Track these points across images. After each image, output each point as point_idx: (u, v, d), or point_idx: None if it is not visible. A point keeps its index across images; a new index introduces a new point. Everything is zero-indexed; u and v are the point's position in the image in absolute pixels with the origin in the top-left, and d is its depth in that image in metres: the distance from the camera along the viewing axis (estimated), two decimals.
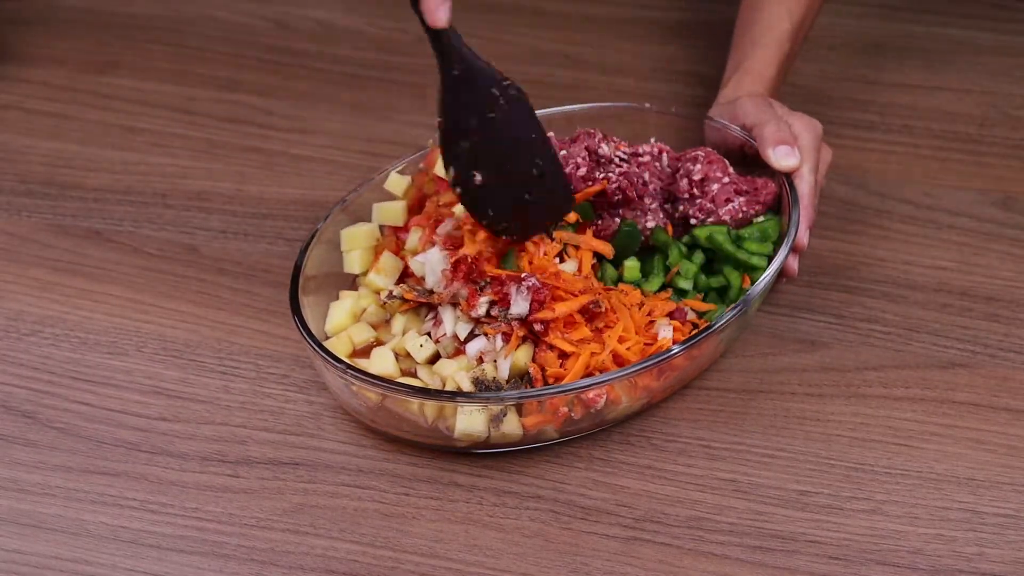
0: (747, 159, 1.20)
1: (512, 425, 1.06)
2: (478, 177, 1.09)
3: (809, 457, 1.08)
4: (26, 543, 1.06)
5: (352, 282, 1.19)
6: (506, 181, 1.10)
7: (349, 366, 1.07)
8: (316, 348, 1.08)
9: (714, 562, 1.02)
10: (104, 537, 1.06)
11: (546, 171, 1.11)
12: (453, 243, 1.12)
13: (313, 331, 1.10)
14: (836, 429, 1.10)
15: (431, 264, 1.12)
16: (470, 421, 1.05)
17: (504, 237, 1.11)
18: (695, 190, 1.17)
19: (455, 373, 1.08)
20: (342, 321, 1.15)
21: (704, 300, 1.14)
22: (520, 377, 1.08)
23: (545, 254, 1.11)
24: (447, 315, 1.10)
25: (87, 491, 1.09)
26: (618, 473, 1.08)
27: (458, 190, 1.09)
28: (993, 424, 1.10)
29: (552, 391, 1.05)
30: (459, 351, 1.10)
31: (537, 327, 1.07)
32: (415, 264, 1.13)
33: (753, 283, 1.11)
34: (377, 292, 1.14)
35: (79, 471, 1.11)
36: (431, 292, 1.11)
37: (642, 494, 1.07)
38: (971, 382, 1.13)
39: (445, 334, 1.10)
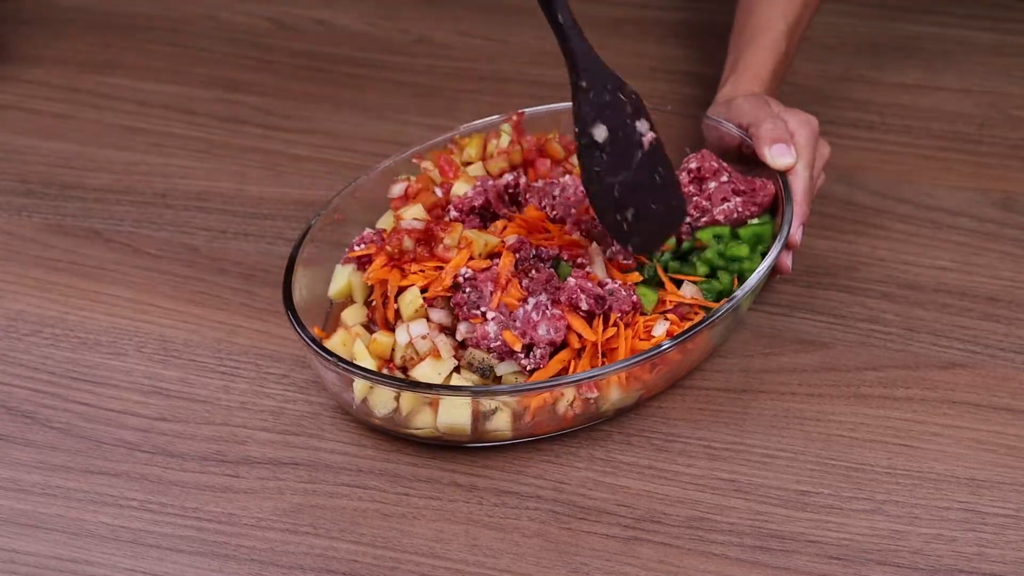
0: (745, 158, 1.20)
1: (501, 421, 1.07)
2: (616, 189, 1.08)
3: (809, 457, 1.08)
4: (26, 543, 1.06)
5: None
6: (636, 193, 1.09)
7: (339, 359, 1.07)
8: (309, 342, 1.08)
9: (714, 562, 1.02)
10: (104, 537, 1.06)
11: (667, 181, 1.10)
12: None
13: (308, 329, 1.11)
14: (836, 429, 1.10)
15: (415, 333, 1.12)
16: (455, 414, 1.06)
17: (632, 251, 1.12)
18: (692, 187, 1.17)
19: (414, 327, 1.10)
20: (346, 286, 1.16)
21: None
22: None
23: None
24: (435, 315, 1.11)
25: (87, 491, 1.09)
26: (618, 473, 1.08)
27: (596, 200, 1.09)
28: (993, 424, 1.10)
29: (541, 386, 1.05)
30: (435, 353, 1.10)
31: None
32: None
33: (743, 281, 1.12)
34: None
35: (79, 471, 1.11)
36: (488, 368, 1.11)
37: (642, 494, 1.07)
38: (971, 382, 1.13)
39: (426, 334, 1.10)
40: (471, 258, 1.12)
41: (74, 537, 1.06)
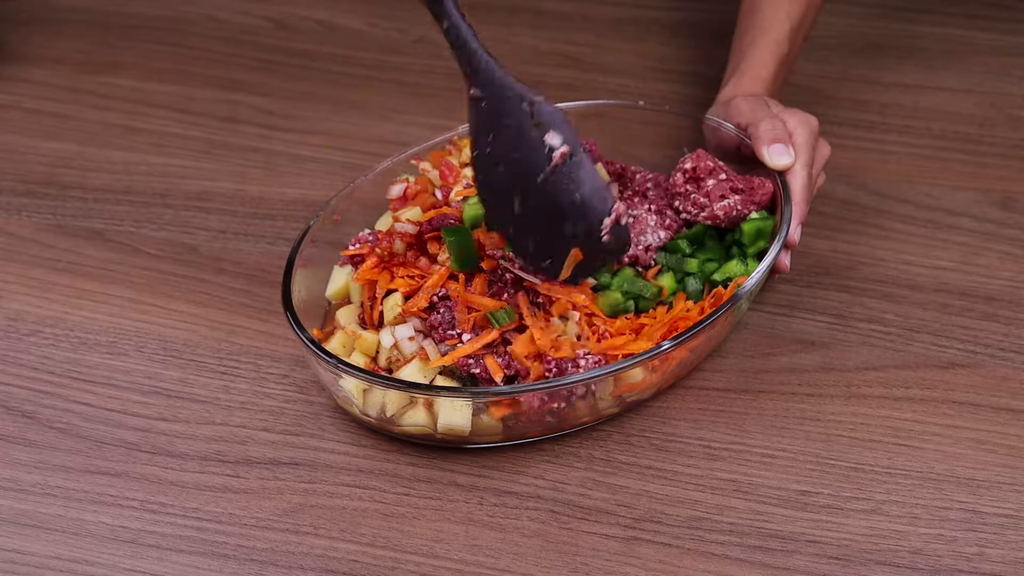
0: (744, 158, 1.20)
1: (490, 419, 1.07)
2: (516, 206, 1.00)
3: (809, 457, 1.08)
4: (26, 543, 1.06)
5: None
6: (543, 211, 1.00)
7: (340, 361, 1.07)
8: (307, 343, 1.08)
9: (714, 562, 1.02)
10: (104, 537, 1.06)
11: (589, 199, 1.00)
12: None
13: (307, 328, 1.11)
14: (836, 429, 1.10)
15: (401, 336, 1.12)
16: (455, 416, 1.06)
17: (552, 277, 1.05)
18: (689, 185, 1.17)
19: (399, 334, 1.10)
20: (343, 287, 1.17)
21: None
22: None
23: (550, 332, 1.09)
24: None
25: (87, 491, 1.09)
26: (618, 473, 1.08)
27: (492, 215, 1.03)
28: (993, 424, 1.10)
29: (540, 387, 1.05)
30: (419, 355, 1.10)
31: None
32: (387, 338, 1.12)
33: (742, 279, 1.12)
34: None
35: (79, 471, 1.11)
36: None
37: (642, 494, 1.07)
38: (971, 382, 1.13)
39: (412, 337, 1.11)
40: (452, 275, 1.11)
41: (74, 537, 1.06)
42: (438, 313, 1.09)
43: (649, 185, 1.21)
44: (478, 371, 1.07)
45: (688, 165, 1.17)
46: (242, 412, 1.15)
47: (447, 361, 1.07)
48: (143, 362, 1.19)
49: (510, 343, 1.08)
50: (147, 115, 1.48)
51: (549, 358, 1.06)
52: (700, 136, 1.26)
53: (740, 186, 1.17)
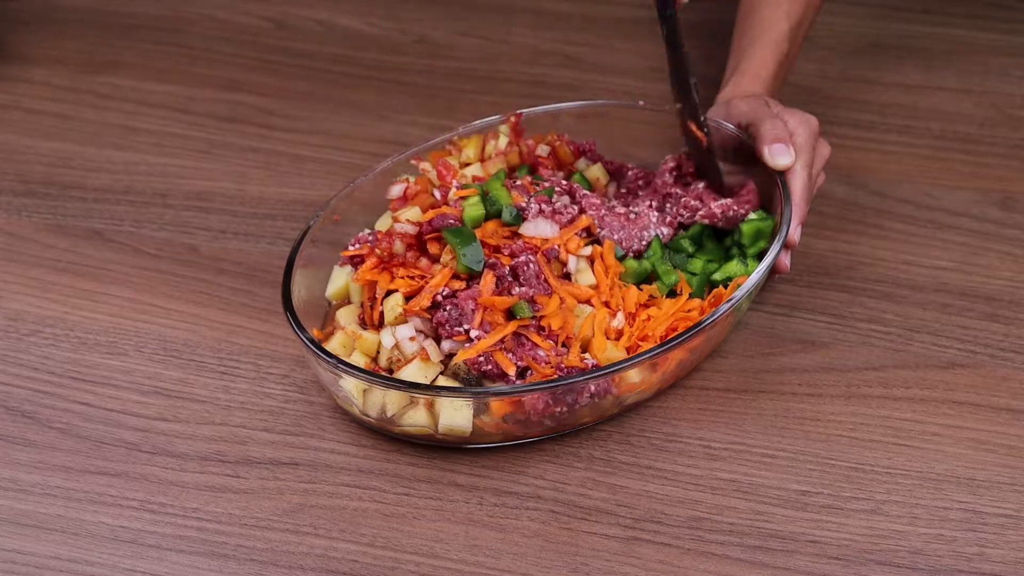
0: (743, 159, 1.20)
1: (491, 420, 1.07)
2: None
3: (809, 457, 1.08)
4: (26, 543, 1.06)
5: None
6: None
7: (341, 361, 1.07)
8: (308, 343, 1.08)
9: (714, 562, 1.02)
10: (104, 537, 1.06)
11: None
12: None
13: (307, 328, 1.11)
14: (836, 429, 1.10)
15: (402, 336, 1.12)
16: (455, 416, 1.06)
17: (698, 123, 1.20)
18: (678, 188, 1.18)
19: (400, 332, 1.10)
20: (343, 287, 1.17)
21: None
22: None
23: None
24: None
25: (87, 491, 1.09)
26: (618, 473, 1.08)
27: (682, 63, 1.20)
28: (993, 424, 1.10)
29: (539, 387, 1.05)
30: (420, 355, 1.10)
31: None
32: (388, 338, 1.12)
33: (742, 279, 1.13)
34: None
35: (79, 471, 1.11)
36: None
37: (642, 494, 1.07)
38: (971, 382, 1.13)
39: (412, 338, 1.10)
40: (455, 275, 1.11)
41: (74, 537, 1.06)
42: (444, 311, 1.09)
43: (640, 183, 1.21)
44: (489, 367, 1.07)
45: (672, 164, 1.18)
46: (242, 412, 1.15)
47: (471, 354, 1.06)
48: (143, 362, 1.19)
49: (523, 337, 1.08)
50: (147, 115, 1.48)
51: (563, 366, 1.07)
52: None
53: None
